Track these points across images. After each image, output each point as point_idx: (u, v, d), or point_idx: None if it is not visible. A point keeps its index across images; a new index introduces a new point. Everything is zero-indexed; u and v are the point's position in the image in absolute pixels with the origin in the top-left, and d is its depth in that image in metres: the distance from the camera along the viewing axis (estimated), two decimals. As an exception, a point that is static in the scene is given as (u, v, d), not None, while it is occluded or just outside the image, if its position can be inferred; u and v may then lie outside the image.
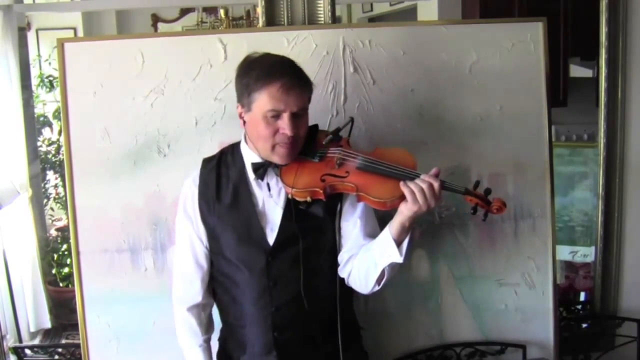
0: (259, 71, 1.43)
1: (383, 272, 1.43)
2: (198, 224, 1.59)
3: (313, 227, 1.52)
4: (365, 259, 1.47)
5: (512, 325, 1.98)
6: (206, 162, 1.62)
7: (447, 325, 1.98)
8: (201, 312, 1.64)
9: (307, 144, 1.52)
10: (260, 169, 1.51)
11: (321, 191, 1.45)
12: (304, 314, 1.52)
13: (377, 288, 1.48)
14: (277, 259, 1.52)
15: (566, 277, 2.65)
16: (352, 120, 1.59)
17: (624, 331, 2.22)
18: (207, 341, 1.66)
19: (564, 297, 2.54)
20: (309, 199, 1.46)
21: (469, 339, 1.99)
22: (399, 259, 1.39)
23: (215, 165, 1.59)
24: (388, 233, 1.41)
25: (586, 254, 2.53)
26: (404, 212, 1.38)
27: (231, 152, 1.60)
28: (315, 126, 1.58)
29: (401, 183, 1.38)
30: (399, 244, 1.39)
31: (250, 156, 1.54)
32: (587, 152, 2.54)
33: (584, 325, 2.33)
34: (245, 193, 1.54)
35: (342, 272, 1.53)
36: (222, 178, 1.57)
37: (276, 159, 1.48)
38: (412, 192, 1.35)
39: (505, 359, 1.99)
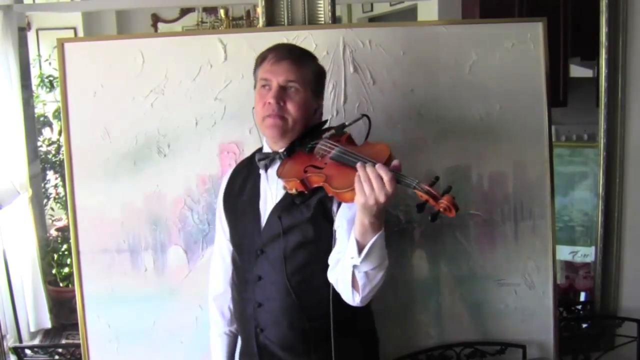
0: (263, 51, 1.52)
1: (355, 277, 1.31)
2: (223, 220, 1.63)
3: (299, 223, 1.45)
4: (341, 261, 1.36)
5: (512, 325, 1.98)
6: (239, 163, 1.68)
7: (447, 325, 1.98)
8: (224, 304, 1.66)
9: (308, 136, 1.49)
10: (265, 160, 1.51)
11: (299, 181, 1.38)
12: (291, 315, 1.48)
13: (357, 297, 1.33)
14: (265, 253, 1.50)
15: (566, 277, 2.65)
16: (365, 117, 1.52)
17: (624, 331, 2.22)
18: (229, 334, 1.66)
19: (564, 297, 2.54)
20: (294, 190, 1.41)
21: (469, 339, 1.98)
22: (356, 260, 1.26)
23: (247, 162, 1.63)
24: (352, 232, 1.29)
25: (586, 254, 2.53)
26: (357, 206, 1.25)
27: (257, 154, 1.59)
28: (324, 122, 1.57)
29: (356, 174, 1.25)
30: (362, 245, 1.26)
31: (264, 149, 1.57)
32: (587, 152, 2.54)
33: (584, 325, 2.33)
34: (256, 187, 1.55)
35: (331, 277, 1.41)
36: (248, 175, 1.59)
37: (267, 131, 1.48)
38: (360, 182, 1.22)
39: (505, 359, 1.99)
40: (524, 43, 1.92)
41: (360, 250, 1.26)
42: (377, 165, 1.23)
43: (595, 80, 2.23)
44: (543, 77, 1.93)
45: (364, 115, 1.53)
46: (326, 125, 1.57)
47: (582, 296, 2.58)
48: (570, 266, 2.63)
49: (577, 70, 2.57)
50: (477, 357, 1.99)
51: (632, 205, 2.22)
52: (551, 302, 1.98)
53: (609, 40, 2.13)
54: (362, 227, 1.26)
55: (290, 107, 1.45)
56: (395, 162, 1.27)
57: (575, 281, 2.63)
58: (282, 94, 1.44)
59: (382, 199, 1.20)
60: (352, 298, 1.34)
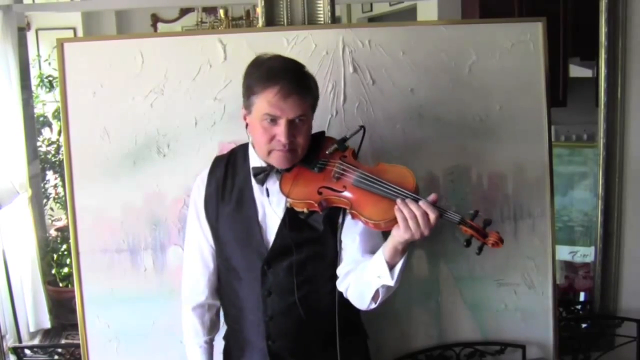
0: (260, 73, 1.41)
1: (378, 291, 1.38)
2: (204, 222, 1.58)
3: (311, 238, 1.48)
4: (361, 277, 1.41)
5: (512, 325, 1.99)
6: (217, 160, 1.62)
7: (447, 325, 1.98)
8: (205, 313, 1.63)
9: (310, 152, 1.47)
10: (261, 174, 1.48)
11: (316, 204, 1.40)
12: (300, 325, 1.50)
13: (373, 306, 1.42)
14: (272, 268, 1.49)
15: (566, 277, 2.65)
16: (362, 129, 1.50)
17: (624, 331, 2.22)
18: (209, 342, 1.65)
19: (563, 297, 2.54)
20: (305, 210, 1.41)
21: (468, 339, 1.99)
22: (390, 282, 1.33)
23: (225, 165, 1.58)
24: (381, 255, 1.34)
25: (586, 254, 2.53)
26: (396, 237, 1.30)
27: (242, 153, 1.58)
28: (322, 133, 1.55)
29: (396, 207, 1.30)
30: (392, 266, 1.33)
31: (254, 159, 1.52)
32: (587, 152, 2.54)
33: (584, 325, 2.33)
34: (249, 197, 1.52)
35: (340, 286, 1.48)
36: (228, 179, 1.56)
37: (274, 162, 1.45)
38: (405, 219, 1.27)
39: (505, 359, 1.99)
40: (524, 43, 1.92)
41: (391, 270, 1.33)
42: (421, 203, 1.29)
43: (595, 80, 2.23)
44: (543, 77, 1.93)
45: (361, 127, 1.51)
46: (325, 136, 1.56)
47: (582, 296, 2.58)
48: (569, 266, 2.63)
49: (577, 70, 2.57)
50: (476, 357, 1.99)
51: (632, 205, 2.22)
52: (551, 302, 1.98)
53: (608, 40, 2.13)
54: (395, 251, 1.32)
55: (300, 139, 1.42)
56: (433, 197, 1.31)
57: (575, 281, 2.63)
58: (291, 129, 1.40)
59: (426, 233, 1.28)
60: (367, 306, 1.43)
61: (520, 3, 2.58)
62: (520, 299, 1.98)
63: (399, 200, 1.30)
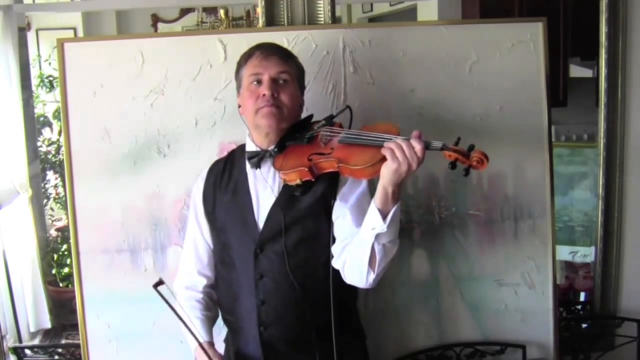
0: (245, 52, 1.57)
1: (374, 252, 1.37)
2: (202, 218, 1.63)
3: (304, 219, 1.50)
4: (357, 242, 1.41)
5: (512, 325, 1.98)
6: (216, 161, 1.69)
7: (447, 325, 1.98)
8: (195, 294, 1.65)
9: (299, 131, 1.53)
10: (255, 158, 1.54)
11: (307, 169, 1.42)
12: (292, 311, 1.50)
13: (372, 275, 1.40)
14: (265, 250, 1.51)
15: (566, 277, 2.65)
16: (348, 108, 1.56)
17: (624, 331, 2.22)
18: (208, 316, 1.64)
19: (564, 297, 2.54)
20: (298, 181, 1.44)
21: (468, 339, 1.98)
22: (382, 226, 1.32)
23: (224, 162, 1.65)
24: (372, 203, 1.35)
25: (586, 254, 2.53)
26: (385, 174, 1.31)
27: (240, 151, 1.64)
28: (310, 116, 1.60)
29: (383, 147, 1.32)
30: (385, 214, 1.33)
31: (250, 147, 1.58)
32: (587, 152, 2.54)
33: (584, 326, 2.33)
34: (244, 185, 1.56)
35: (337, 263, 1.47)
36: (226, 173, 1.61)
37: (262, 122, 1.50)
38: (391, 150, 1.30)
39: (505, 359, 1.99)
40: (524, 43, 1.92)
41: (383, 217, 1.32)
42: (411, 138, 1.31)
43: (595, 80, 2.23)
44: (543, 77, 1.93)
45: (347, 106, 1.57)
46: (312, 120, 1.60)
47: (582, 296, 2.58)
48: (570, 266, 2.63)
49: (577, 70, 2.57)
50: (476, 357, 1.99)
51: (632, 205, 2.22)
52: (551, 302, 1.98)
53: (608, 40, 2.13)
54: (385, 195, 1.32)
55: (284, 97, 1.50)
56: (416, 132, 1.33)
57: (575, 281, 2.63)
58: (274, 85, 1.50)
59: (414, 165, 1.29)
60: (365, 277, 1.41)
61: (520, 3, 2.58)
62: (520, 299, 1.98)
63: (386, 142, 1.33)
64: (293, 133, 1.53)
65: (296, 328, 1.52)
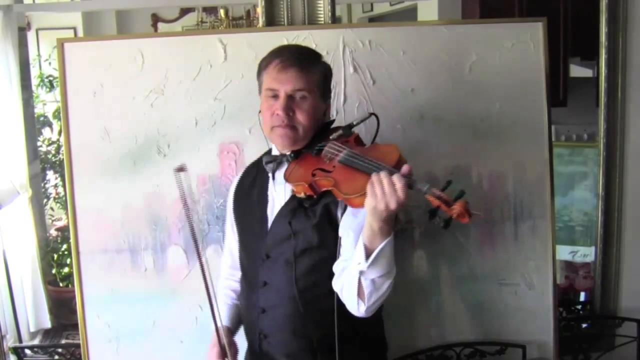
0: (268, 53, 1.48)
1: (361, 285, 1.27)
2: (232, 219, 1.63)
3: (308, 229, 1.42)
4: (348, 270, 1.31)
5: (512, 325, 1.98)
6: (249, 166, 1.66)
7: (447, 325, 1.98)
8: (229, 285, 1.67)
9: (316, 139, 1.45)
10: (272, 163, 1.49)
11: (307, 185, 1.36)
12: (295, 322, 1.45)
13: (363, 307, 1.29)
14: (271, 258, 1.47)
15: (566, 277, 2.65)
16: (372, 116, 1.47)
17: (624, 331, 2.22)
18: (236, 306, 1.65)
19: (564, 297, 2.54)
20: (303, 194, 1.39)
21: (469, 339, 1.99)
22: (363, 265, 1.22)
23: (256, 163, 1.61)
24: (361, 237, 1.25)
25: (586, 254, 2.53)
26: (367, 211, 1.21)
27: (268, 151, 1.59)
28: (331, 122, 1.55)
29: (370, 177, 1.21)
30: (370, 251, 1.22)
31: (274, 151, 1.54)
32: (587, 152, 2.54)
33: (584, 325, 2.32)
34: (264, 190, 1.52)
35: (336, 285, 1.36)
36: (257, 176, 1.57)
37: (276, 141, 1.47)
38: (372, 184, 1.19)
39: (505, 359, 1.99)
40: (524, 43, 1.92)
41: (367, 255, 1.22)
42: (395, 173, 1.19)
43: (595, 80, 2.23)
44: (543, 77, 1.93)
45: (372, 114, 1.48)
46: (333, 125, 1.54)
47: (582, 296, 2.58)
48: (570, 266, 2.63)
49: (577, 70, 2.57)
50: (477, 357, 1.99)
51: (632, 205, 2.22)
52: (551, 302, 1.98)
53: (609, 40, 2.13)
54: (371, 231, 1.22)
55: (300, 116, 1.42)
56: (405, 168, 1.22)
57: (575, 281, 2.63)
58: (290, 103, 1.41)
59: (392, 205, 1.17)
60: (357, 308, 1.30)
61: (520, 3, 2.58)
62: (520, 299, 1.98)
63: (373, 173, 1.22)
64: (313, 139, 1.47)
65: (296, 340, 1.46)
